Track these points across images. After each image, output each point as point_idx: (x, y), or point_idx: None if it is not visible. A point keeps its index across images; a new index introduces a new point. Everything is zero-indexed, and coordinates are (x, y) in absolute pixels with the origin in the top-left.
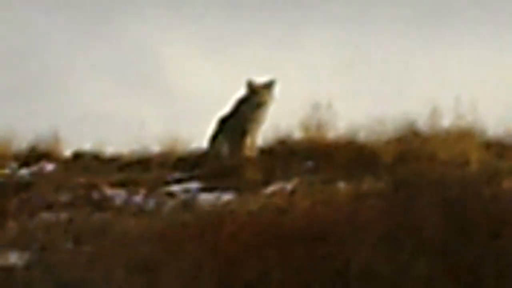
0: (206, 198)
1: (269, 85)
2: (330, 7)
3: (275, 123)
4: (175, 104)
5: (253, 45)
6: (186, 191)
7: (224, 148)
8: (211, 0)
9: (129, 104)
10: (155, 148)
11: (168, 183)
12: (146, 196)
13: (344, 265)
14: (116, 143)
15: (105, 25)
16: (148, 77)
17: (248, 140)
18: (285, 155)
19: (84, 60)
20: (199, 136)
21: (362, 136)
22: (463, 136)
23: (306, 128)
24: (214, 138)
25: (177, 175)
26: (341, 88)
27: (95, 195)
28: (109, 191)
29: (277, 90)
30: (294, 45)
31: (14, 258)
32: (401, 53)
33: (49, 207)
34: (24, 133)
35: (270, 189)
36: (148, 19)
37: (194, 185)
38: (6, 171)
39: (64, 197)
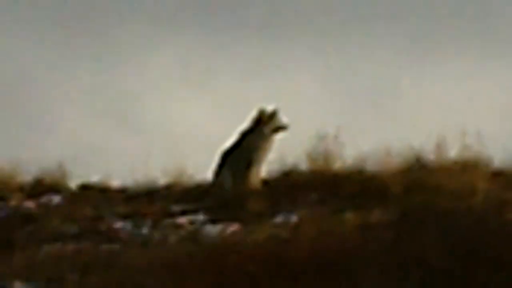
0: (211, 229)
1: (273, 115)
2: (331, 34)
3: (281, 155)
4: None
5: (246, 75)
6: (192, 222)
7: (228, 180)
8: (193, 33)
9: (113, 136)
10: (161, 180)
11: (173, 215)
12: (152, 228)
13: None
14: (122, 175)
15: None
16: (123, 113)
17: (253, 171)
18: (291, 186)
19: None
20: (204, 168)
21: (368, 167)
22: (469, 166)
23: (312, 159)
24: (219, 170)
25: (182, 206)
26: (346, 119)
27: (102, 227)
28: (115, 223)
29: (282, 119)
30: (289, 73)
31: None
32: (407, 84)
33: (56, 239)
34: (30, 164)
35: (276, 220)
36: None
37: (199, 216)
38: (12, 202)
39: (71, 229)
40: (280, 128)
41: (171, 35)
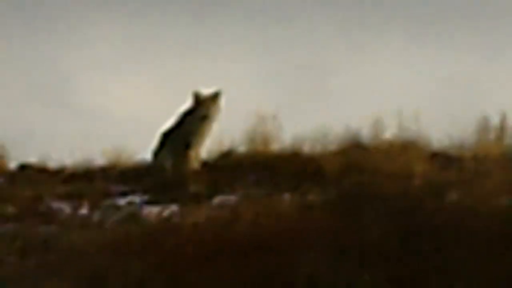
0: (150, 211)
1: (214, 97)
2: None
3: (219, 136)
4: (91, 120)
5: (183, 54)
6: (130, 203)
7: (168, 161)
8: (130, 10)
9: (50, 117)
10: (99, 161)
11: (112, 195)
12: (91, 209)
13: (290, 277)
14: (60, 157)
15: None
16: (60, 93)
17: (192, 153)
18: (229, 167)
19: None
20: (142, 149)
21: (306, 148)
22: (407, 148)
23: (250, 140)
24: (158, 151)
25: (121, 187)
26: (284, 100)
27: (41, 208)
28: (54, 204)
29: (222, 101)
30: (225, 53)
31: None
32: (343, 64)
33: None
34: None
35: (215, 201)
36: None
37: (138, 198)
38: None
39: (9, 210)
40: (205, 116)
41: (108, 12)
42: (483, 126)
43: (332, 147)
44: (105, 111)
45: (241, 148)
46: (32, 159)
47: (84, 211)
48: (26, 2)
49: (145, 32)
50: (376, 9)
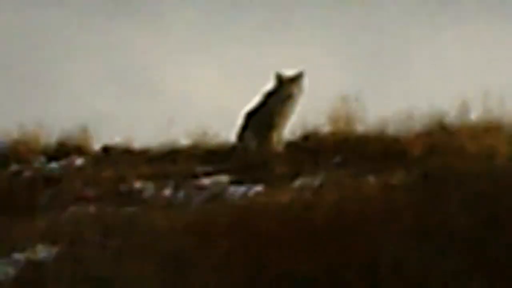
0: (234, 191)
1: (297, 78)
2: None
3: (302, 117)
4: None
5: (257, 41)
6: (215, 184)
7: (252, 142)
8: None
9: (132, 101)
10: (184, 141)
11: (196, 176)
12: (175, 189)
13: (373, 259)
14: (145, 137)
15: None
16: (141, 76)
17: (275, 134)
18: (313, 149)
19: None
20: (226, 130)
21: (390, 129)
22: (491, 129)
23: (334, 121)
24: (242, 132)
25: (205, 168)
26: (367, 82)
27: (124, 188)
28: (138, 185)
29: (305, 82)
30: (302, 36)
31: (43, 252)
32: (428, 45)
33: (78, 201)
34: (53, 127)
35: (298, 182)
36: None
37: (222, 178)
38: (35, 165)
39: (93, 191)
40: (288, 97)
41: None
42: None
43: (417, 128)
44: (187, 93)
45: (325, 129)
46: (116, 141)
47: (168, 191)
48: None
49: (226, 15)
50: None
